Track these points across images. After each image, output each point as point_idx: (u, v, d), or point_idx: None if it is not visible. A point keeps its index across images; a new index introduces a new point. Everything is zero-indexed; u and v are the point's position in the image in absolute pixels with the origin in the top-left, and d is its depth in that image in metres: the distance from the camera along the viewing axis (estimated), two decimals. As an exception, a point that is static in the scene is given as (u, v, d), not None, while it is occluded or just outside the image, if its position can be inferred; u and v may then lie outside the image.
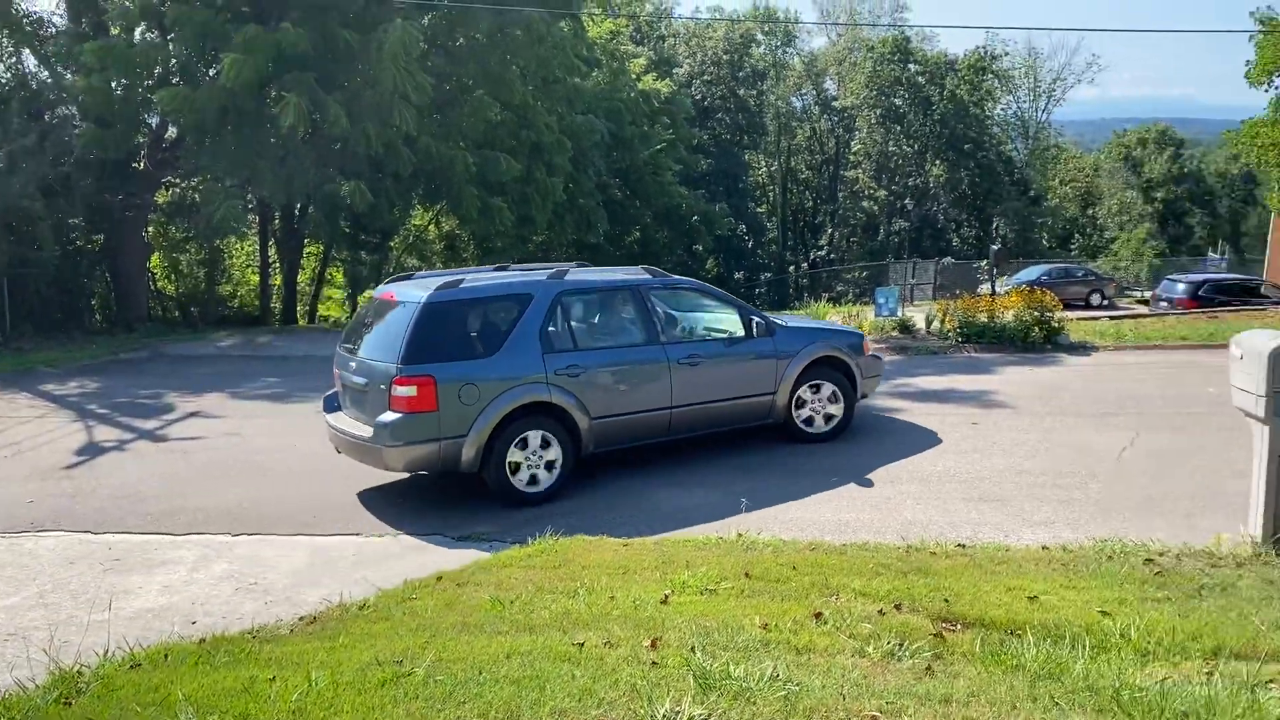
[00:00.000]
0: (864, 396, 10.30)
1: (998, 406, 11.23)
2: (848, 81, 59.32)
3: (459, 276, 8.64)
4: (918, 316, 17.31)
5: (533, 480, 8.23)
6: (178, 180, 24.59)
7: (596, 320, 9.20)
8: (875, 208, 59.28)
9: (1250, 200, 64.80)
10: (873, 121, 57.67)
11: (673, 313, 9.65)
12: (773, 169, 61.15)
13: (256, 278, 28.72)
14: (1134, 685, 4.02)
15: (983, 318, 15.36)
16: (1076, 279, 39.96)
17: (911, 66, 56.98)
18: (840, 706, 3.85)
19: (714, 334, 9.62)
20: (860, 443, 9.81)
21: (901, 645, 4.58)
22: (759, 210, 58.96)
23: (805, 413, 9.79)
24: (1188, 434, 9.60)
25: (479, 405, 7.91)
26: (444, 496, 8.41)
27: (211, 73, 21.03)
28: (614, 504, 8.22)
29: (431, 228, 33.02)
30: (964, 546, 6.51)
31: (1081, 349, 15.27)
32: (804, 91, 62.52)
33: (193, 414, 12.03)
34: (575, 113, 27.88)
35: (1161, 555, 6.09)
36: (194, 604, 6.11)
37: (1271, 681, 4.19)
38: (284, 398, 13.29)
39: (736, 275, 53.89)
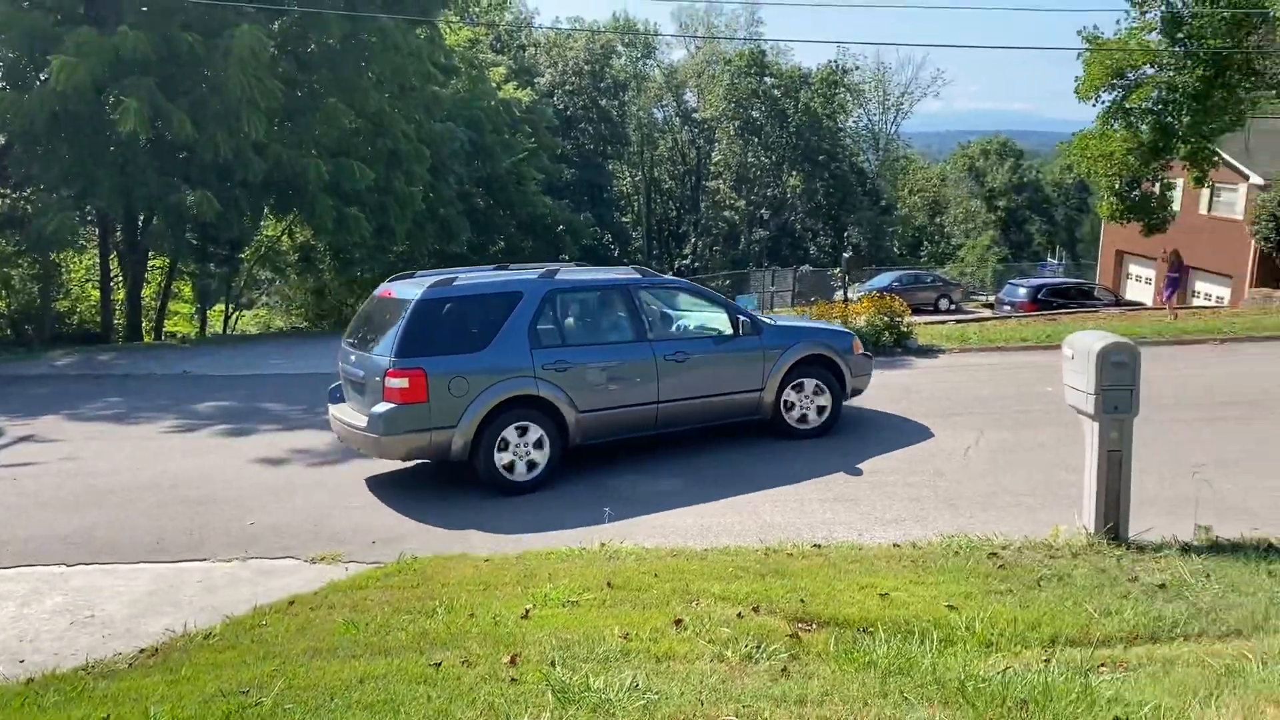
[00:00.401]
0: (856, 393, 10.59)
1: (849, 409, 11.54)
2: (707, 94, 60.38)
3: (453, 275, 9.06)
4: (777, 323, 17.68)
5: (519, 469, 8.60)
6: (8, 191, 23.12)
7: (585, 318, 9.52)
8: (736, 217, 60.49)
9: (1083, 208, 68.77)
10: (731, 133, 58.85)
11: (662, 311, 10.01)
12: (637, 179, 61.67)
13: (98, 293, 27.21)
14: (978, 676, 4.17)
15: (837, 324, 15.80)
16: (926, 284, 41.64)
17: (767, 80, 58.44)
18: (699, 712, 3.87)
19: (702, 332, 9.93)
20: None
21: (759, 647, 4.64)
22: (624, 220, 59.39)
23: (795, 410, 10.06)
24: (1028, 431, 10.08)
25: (468, 397, 8.31)
26: (296, 517, 8.11)
27: (42, 77, 19.86)
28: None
29: (285, 239, 31.96)
30: (819, 547, 6.65)
31: (930, 352, 15.88)
32: (665, 103, 63.34)
33: (24, 438, 11.28)
34: (434, 121, 27.47)
35: (1004, 549, 6.36)
36: (22, 641, 5.71)
37: (1103, 666, 4.42)
38: (126, 418, 12.60)
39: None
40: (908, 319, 16.64)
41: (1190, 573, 5.63)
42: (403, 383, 8.16)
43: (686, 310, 10.30)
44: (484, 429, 8.38)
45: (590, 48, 54.97)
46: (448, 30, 31.01)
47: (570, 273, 9.67)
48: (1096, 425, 6.38)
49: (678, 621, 5.01)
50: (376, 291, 9.39)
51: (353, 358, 8.94)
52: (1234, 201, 32.42)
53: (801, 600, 5.39)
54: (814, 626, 5.04)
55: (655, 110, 63.05)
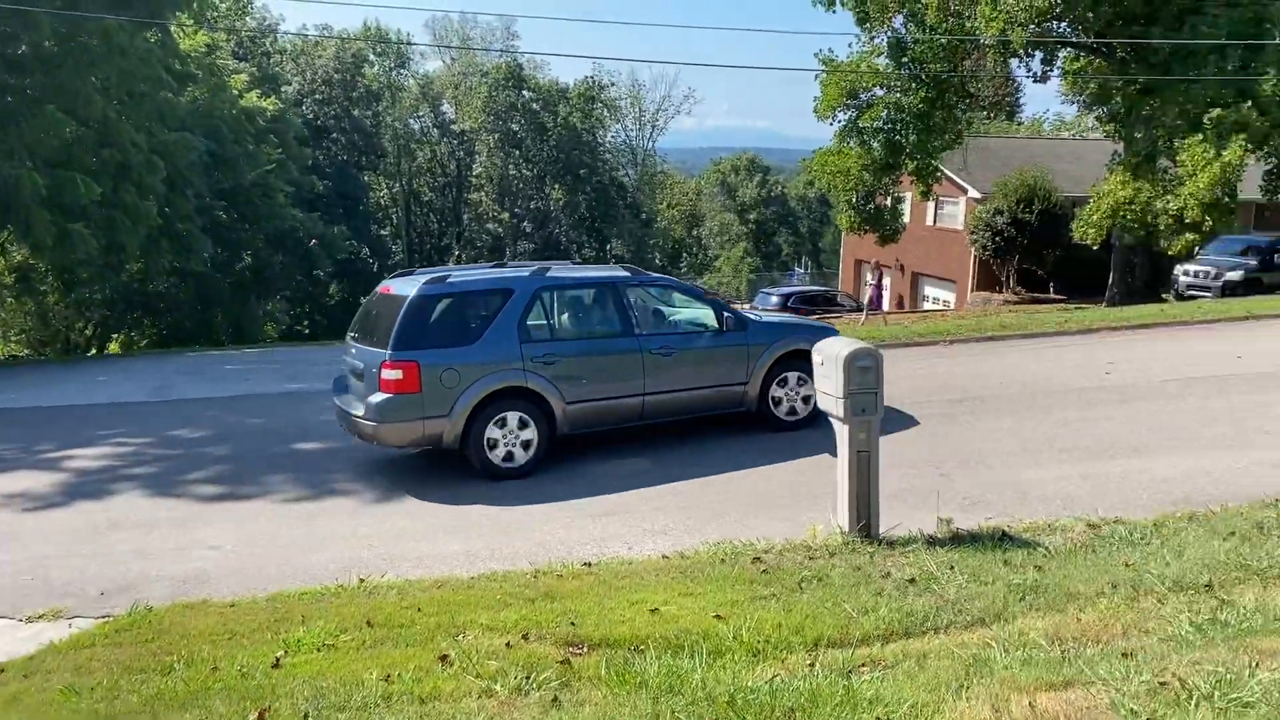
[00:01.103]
0: None
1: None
2: (465, 105, 59.71)
3: (448, 272, 9.61)
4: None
5: (509, 457, 9.09)
6: None
7: (574, 313, 10.04)
8: (500, 230, 60.13)
9: (825, 220, 73.14)
10: (492, 145, 58.49)
11: (651, 308, 10.46)
12: (395, 191, 60.09)
13: None
14: (747, 688, 4.17)
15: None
16: (686, 295, 42.73)
17: (525, 93, 58.48)
18: (465, 758, 3.66)
19: (688, 327, 10.35)
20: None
21: (529, 678, 4.47)
22: (383, 233, 57.70)
23: (782, 403, 10.48)
24: (786, 436, 10.43)
25: (459, 388, 8.84)
26: (10, 570, 7.20)
27: None
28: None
29: (-1, 258, 28.85)
30: (590, 565, 6.56)
31: (692, 361, 16.25)
32: (422, 114, 62.13)
33: None
34: (169, 130, 25.57)
35: (767, 553, 6.50)
36: None
37: (863, 666, 4.54)
38: None
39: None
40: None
41: (936, 566, 5.93)
42: (397, 374, 8.71)
43: (674, 307, 10.75)
44: (474, 418, 8.91)
45: (341, 56, 53.10)
46: (181, 34, 29.00)
47: (561, 271, 10.11)
48: (846, 427, 6.64)
49: (443, 658, 4.76)
50: (377, 288, 9.90)
51: (353, 350, 9.54)
52: (956, 213, 35.38)
53: (572, 623, 5.26)
54: (586, 650, 4.92)
55: (412, 121, 61.71)
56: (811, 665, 4.56)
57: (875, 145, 26.39)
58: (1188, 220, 20.36)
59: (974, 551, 6.26)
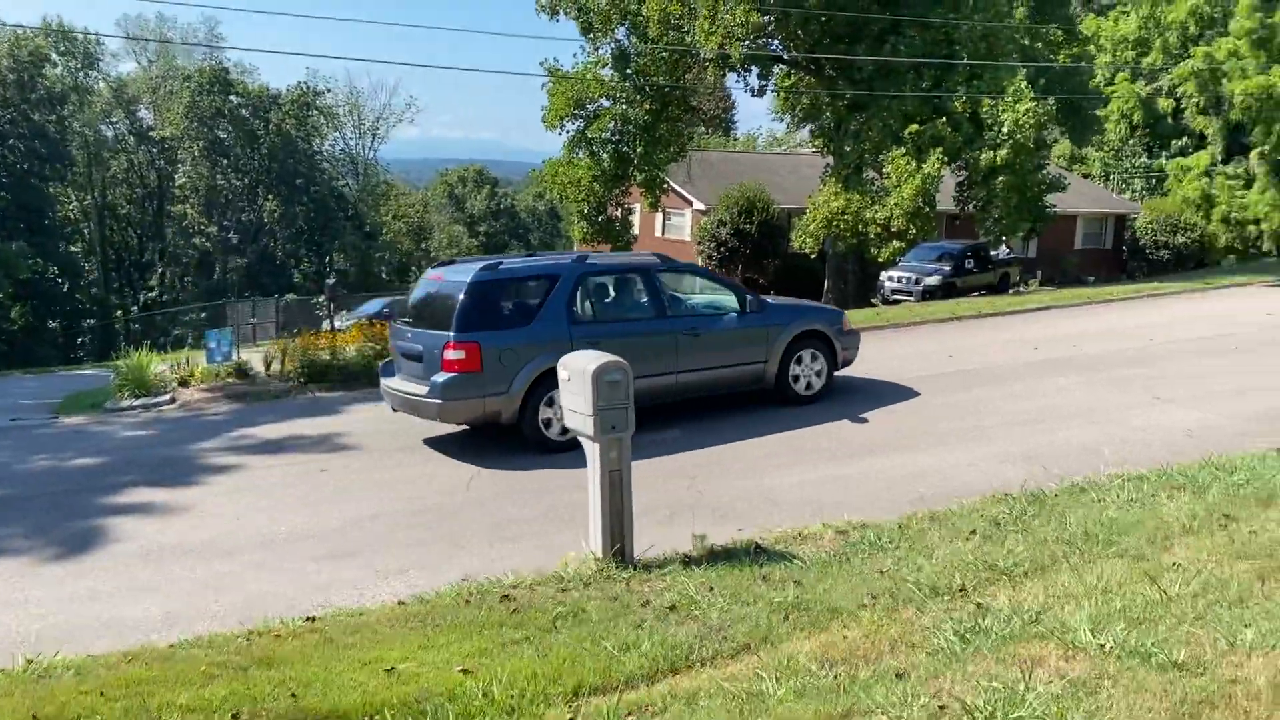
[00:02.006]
0: (846, 364, 11.74)
1: (348, 449, 10.65)
2: (165, 111, 55.12)
3: (497, 260, 10.21)
4: (256, 359, 16.14)
5: (563, 432, 9.22)
6: None
7: (613, 296, 10.78)
8: (209, 244, 55.95)
9: (557, 233, 73.63)
10: (196, 154, 54.35)
11: (677, 291, 11.10)
12: (86, 203, 54.51)
13: None
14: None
15: (325, 355, 14.74)
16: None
17: (233, 98, 54.83)
18: None
19: (713, 310, 10.99)
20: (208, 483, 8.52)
21: (237, 777, 3.67)
22: (73, 250, 52.18)
23: (800, 380, 11.22)
24: (531, 454, 9.91)
25: (516, 367, 9.43)
26: None
27: None
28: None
29: None
30: (314, 619, 5.74)
31: (426, 378, 15.42)
32: (115, 119, 56.82)
33: None
34: None
35: (516, 588, 5.94)
36: None
37: (630, 715, 4.07)
38: None
39: (52, 324, 47.00)
40: (399, 346, 16.03)
41: (696, 588, 5.59)
42: (460, 354, 9.28)
43: (699, 291, 11.49)
44: (530, 395, 9.49)
45: (16, 54, 47.50)
46: None
47: (598, 257, 11.01)
48: (597, 446, 6.20)
49: (125, 762, 3.86)
50: (426, 276, 10.64)
51: (409, 335, 10.14)
52: (683, 225, 36.32)
53: (293, 694, 4.47)
54: (308, 729, 4.16)
55: (104, 127, 56.29)
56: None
57: (604, 156, 26.47)
58: (894, 229, 21.75)
59: (731, 569, 5.98)
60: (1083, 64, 27.15)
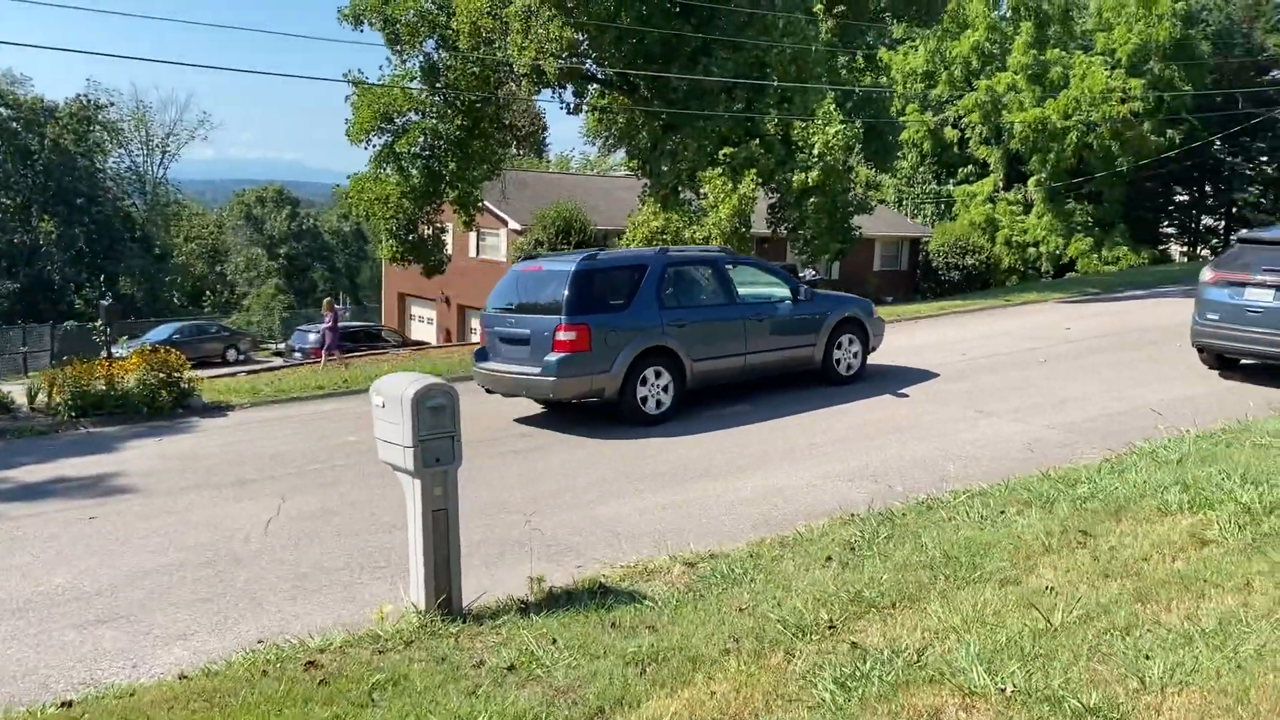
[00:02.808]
0: (873, 350, 13.17)
1: (123, 492, 9.34)
2: (-83, 120, 49.77)
3: (594, 252, 11.86)
4: (18, 391, 14.28)
5: (657, 405, 10.83)
6: None
7: (693, 285, 11.69)
8: (-29, 267, 50.71)
9: (363, 255, 71.03)
10: (-44, 169, 49.27)
11: (741, 282, 11.98)
12: None
13: None
14: None
15: (101, 385, 13.14)
16: (211, 335, 38.98)
17: (3, 110, 50.13)
18: None
19: (774, 299, 12.10)
20: None
21: None
22: None
23: (842, 363, 12.59)
24: (338, 490, 8.95)
25: (618, 348, 10.52)
26: None
27: None
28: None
29: None
30: (71, 705, 4.69)
31: (218, 409, 14.02)
32: None
33: None
34: None
35: (324, 651, 5.07)
36: None
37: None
38: None
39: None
40: (189, 374, 14.55)
41: (537, 641, 4.89)
42: (571, 335, 10.29)
43: (759, 282, 12.36)
44: (629, 374, 10.55)
45: None
46: None
47: (676, 250, 12.27)
48: (418, 482, 5.42)
49: None
50: (520, 268, 11.76)
51: (512, 320, 11.10)
52: (498, 245, 35.47)
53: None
54: None
55: None
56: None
57: (414, 172, 25.33)
58: (713, 248, 21.70)
59: (575, 615, 5.32)
60: (885, 91, 28.14)
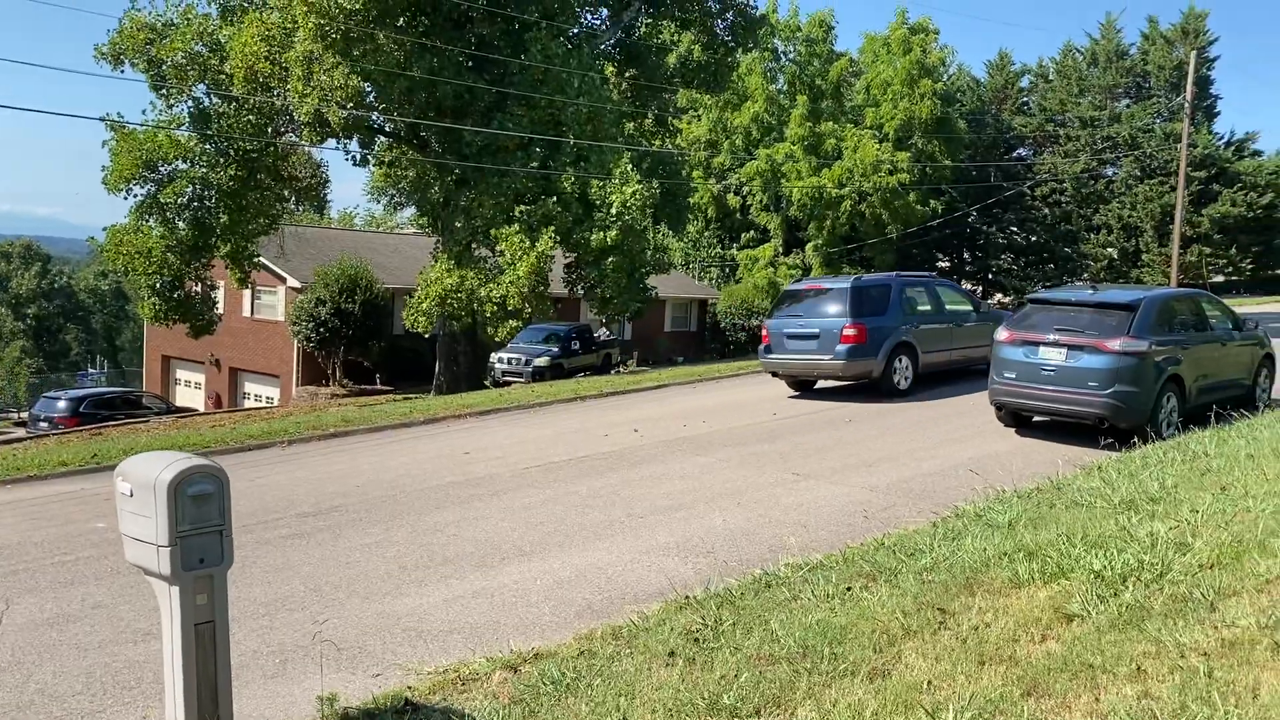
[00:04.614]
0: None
1: None
2: None
3: (859, 274, 19.23)
4: None
5: (901, 382, 15.48)
6: None
7: (919, 298, 16.34)
8: None
9: (124, 315, 65.73)
10: None
11: (944, 298, 16.99)
12: None
13: None
14: None
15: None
16: (-65, 405, 34.52)
17: None
18: None
19: (961, 311, 17.02)
20: None
21: None
22: None
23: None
24: (79, 591, 7.49)
25: (880, 341, 15.10)
26: None
27: None
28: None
29: None
30: None
31: (-67, 493, 11.90)
32: None
33: None
34: None
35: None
36: None
37: None
38: None
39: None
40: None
41: (332, 789, 3.92)
42: (854, 332, 14.87)
43: (954, 300, 17.20)
44: (889, 360, 15.21)
45: None
46: None
47: (905, 275, 17.50)
48: (175, 589, 4.32)
49: None
50: (799, 286, 17.08)
51: (801, 321, 15.64)
52: (275, 303, 33.32)
53: None
54: None
55: None
56: None
57: (181, 224, 23.28)
58: (510, 307, 20.95)
59: (379, 745, 4.36)
60: (678, 155, 28.46)
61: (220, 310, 28.63)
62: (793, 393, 17.21)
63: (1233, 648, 4.28)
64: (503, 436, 14.15)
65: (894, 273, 18.34)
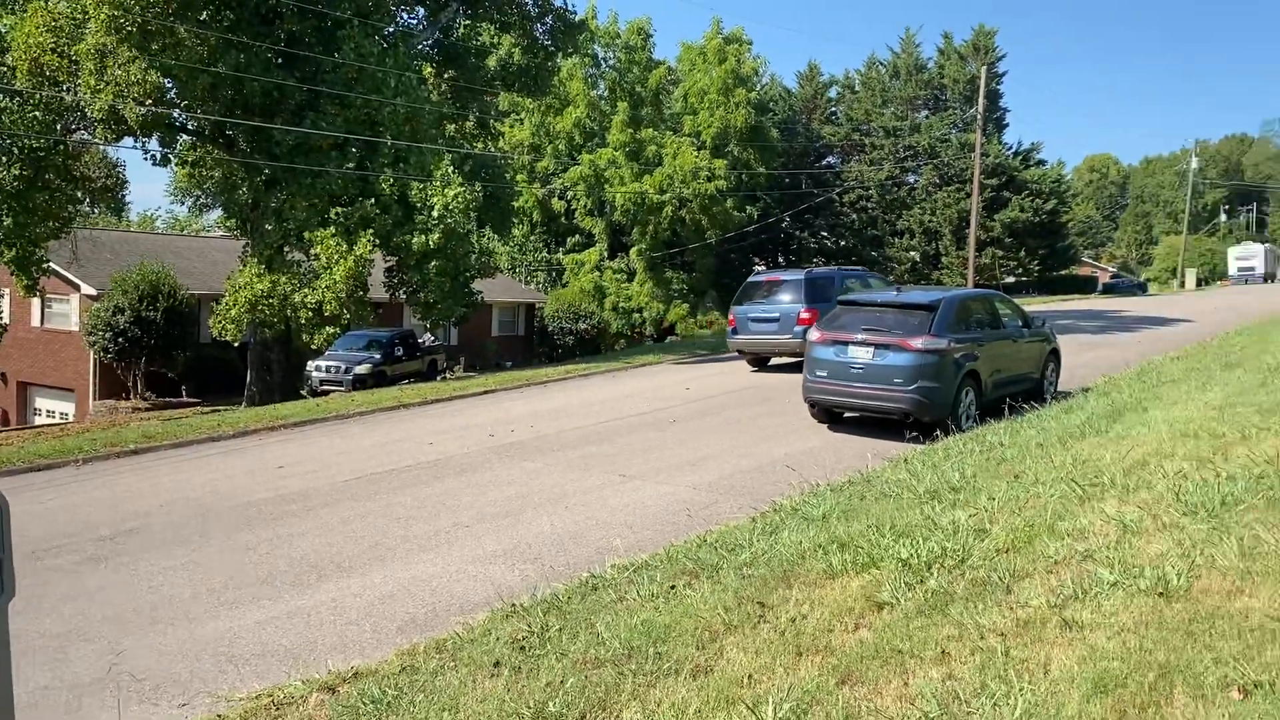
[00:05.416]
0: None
1: None
2: None
3: (810, 267, 28.96)
4: None
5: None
6: None
7: (856, 286, 18.87)
8: None
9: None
10: None
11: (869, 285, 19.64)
12: None
13: None
14: None
15: None
16: None
17: None
18: None
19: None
20: None
21: None
22: None
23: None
24: None
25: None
26: None
27: None
28: None
29: None
30: None
31: None
32: None
33: None
34: None
35: None
36: None
37: None
38: None
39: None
40: None
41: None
42: (809, 315, 16.99)
43: (875, 287, 18.99)
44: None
45: None
46: None
47: (849, 269, 22.93)
48: (-53, 627, 3.95)
49: None
50: (759, 278, 20.34)
51: (763, 307, 18.52)
52: (68, 312, 31.09)
53: None
54: None
55: None
56: None
57: (-42, 227, 21.39)
58: (328, 313, 20.24)
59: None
60: (502, 158, 28.23)
61: (5, 320, 26.47)
62: (621, 394, 17.37)
63: (1026, 627, 4.58)
64: (320, 448, 13.66)
65: (836, 266, 21.65)
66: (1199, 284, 76.79)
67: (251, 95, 21.05)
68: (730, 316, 19.62)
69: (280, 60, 22.18)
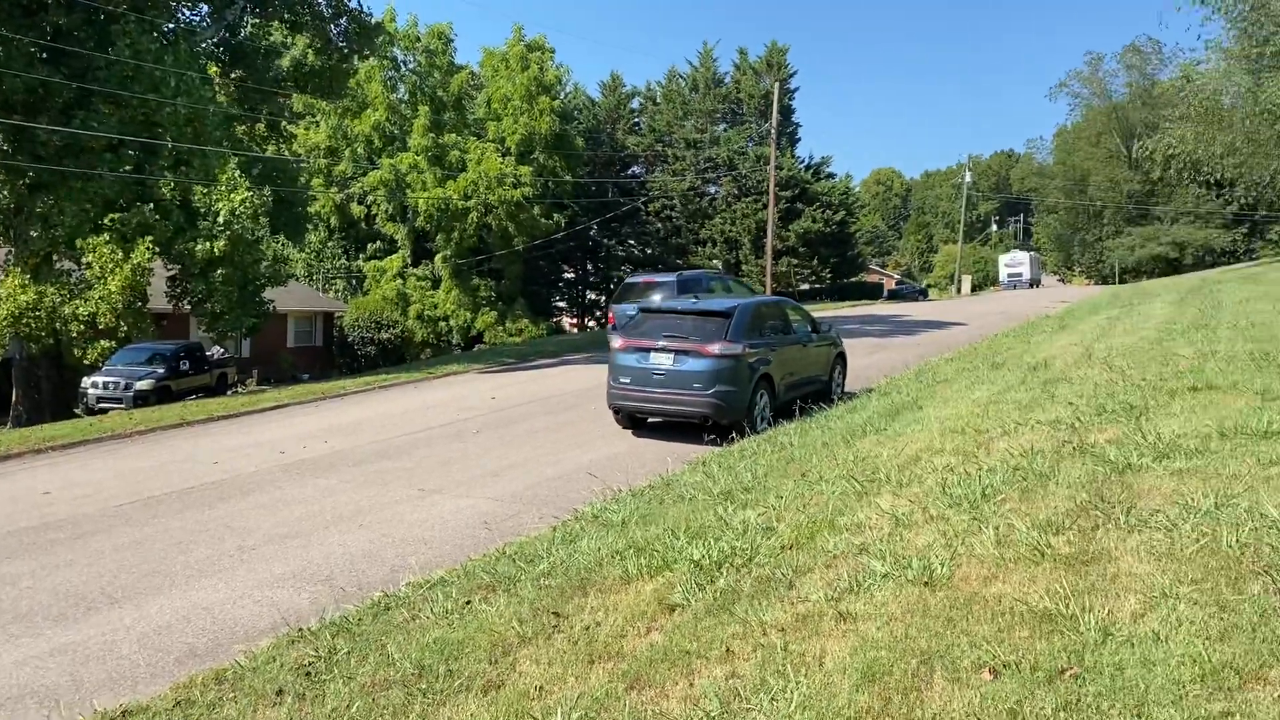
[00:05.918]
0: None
1: None
2: None
3: (677, 272, 25.01)
4: None
5: None
6: None
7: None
8: None
9: None
10: None
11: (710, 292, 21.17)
12: None
13: None
14: None
15: None
16: None
17: None
18: None
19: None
20: None
21: None
22: None
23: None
24: None
25: None
26: None
27: None
28: None
29: None
30: None
31: None
32: None
33: None
34: None
35: None
36: None
37: None
38: None
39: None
40: None
41: None
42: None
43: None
44: None
45: None
46: None
47: (689, 272, 23.16)
48: None
49: None
50: (637, 280, 21.76)
51: (638, 305, 16.58)
52: None
53: None
54: None
55: None
56: None
57: None
58: (102, 326, 18.87)
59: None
60: (295, 162, 27.16)
61: None
62: (423, 405, 17.02)
63: (805, 621, 4.77)
64: (94, 471, 12.72)
65: (702, 270, 23.97)
66: (974, 289, 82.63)
67: (12, 91, 19.40)
68: (610, 314, 21.83)
69: (45, 55, 20.56)
